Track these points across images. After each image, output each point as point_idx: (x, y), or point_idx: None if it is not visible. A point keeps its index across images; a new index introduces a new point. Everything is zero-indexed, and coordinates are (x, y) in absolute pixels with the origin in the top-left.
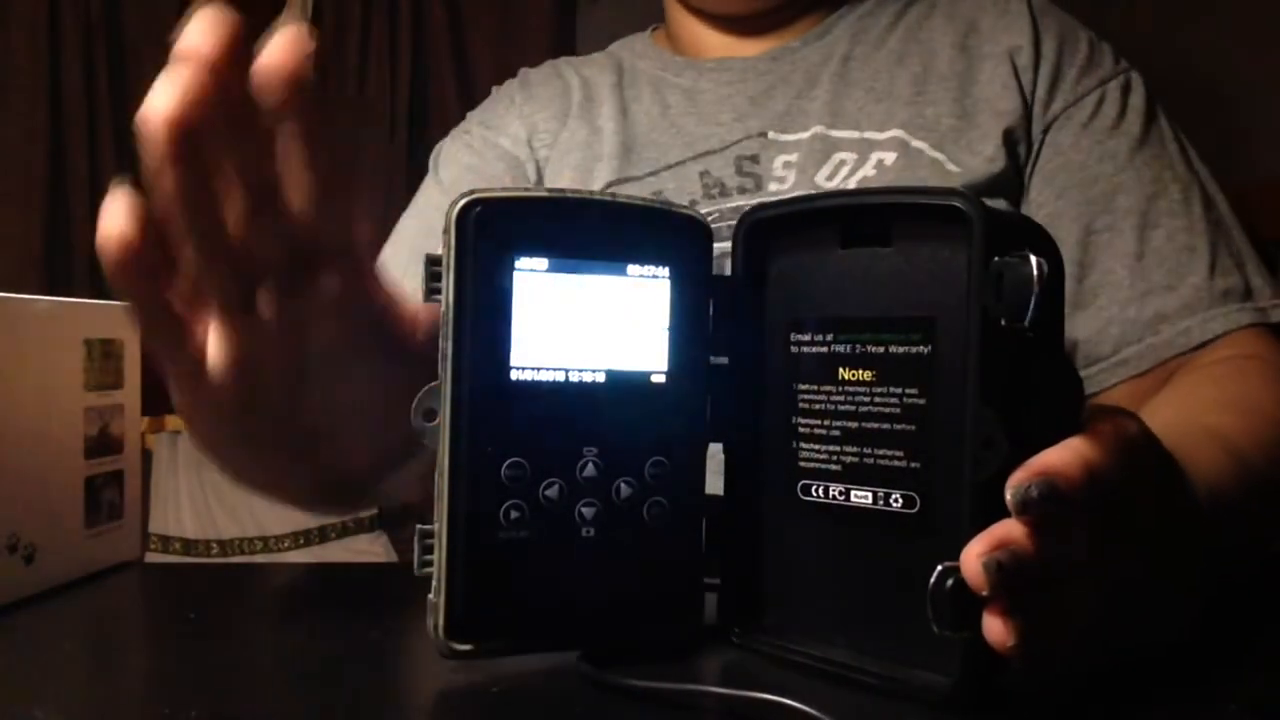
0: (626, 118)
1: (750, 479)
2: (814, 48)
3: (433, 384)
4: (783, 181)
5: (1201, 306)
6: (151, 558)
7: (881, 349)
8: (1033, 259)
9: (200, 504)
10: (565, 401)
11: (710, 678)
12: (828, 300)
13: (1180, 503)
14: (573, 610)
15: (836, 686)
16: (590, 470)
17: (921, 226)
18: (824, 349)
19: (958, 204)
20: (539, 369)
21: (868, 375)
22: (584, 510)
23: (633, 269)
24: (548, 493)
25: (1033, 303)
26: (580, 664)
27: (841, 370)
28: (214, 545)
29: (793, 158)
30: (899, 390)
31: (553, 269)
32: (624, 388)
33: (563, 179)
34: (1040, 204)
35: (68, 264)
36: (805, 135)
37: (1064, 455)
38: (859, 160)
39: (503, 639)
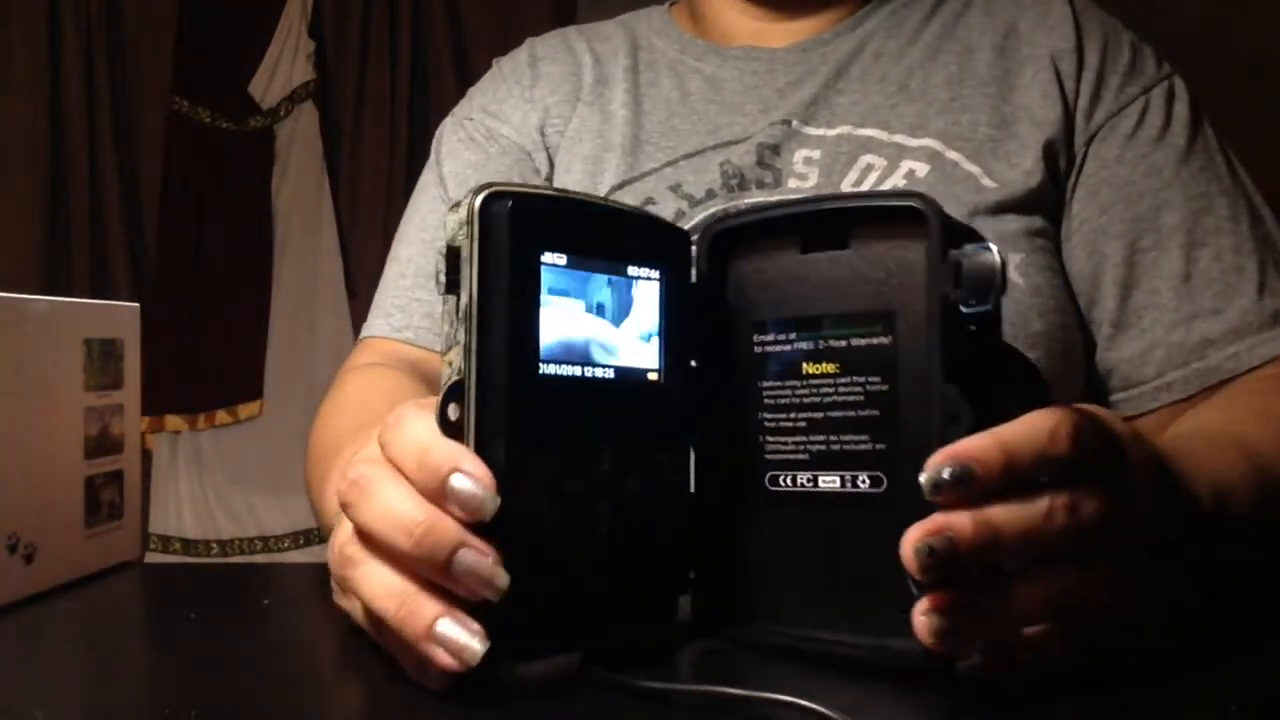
0: (641, 106)
1: (719, 475)
2: (845, 39)
3: (457, 378)
4: (804, 179)
5: (1250, 331)
6: (151, 558)
7: (844, 343)
8: (993, 247)
9: (200, 504)
10: (583, 396)
11: (717, 677)
12: (790, 302)
13: (1168, 500)
14: (588, 607)
15: (820, 670)
16: (605, 465)
17: (879, 228)
18: (787, 347)
19: (914, 204)
20: (560, 363)
21: (831, 368)
22: (601, 506)
23: (631, 270)
24: (571, 489)
25: (995, 288)
26: (583, 664)
27: (805, 365)
28: (214, 545)
29: (815, 154)
30: (862, 379)
31: (569, 266)
32: (629, 384)
33: (574, 170)
34: (1084, 219)
35: (68, 264)
36: (831, 133)
37: (982, 440)
38: (889, 167)
39: (533, 641)
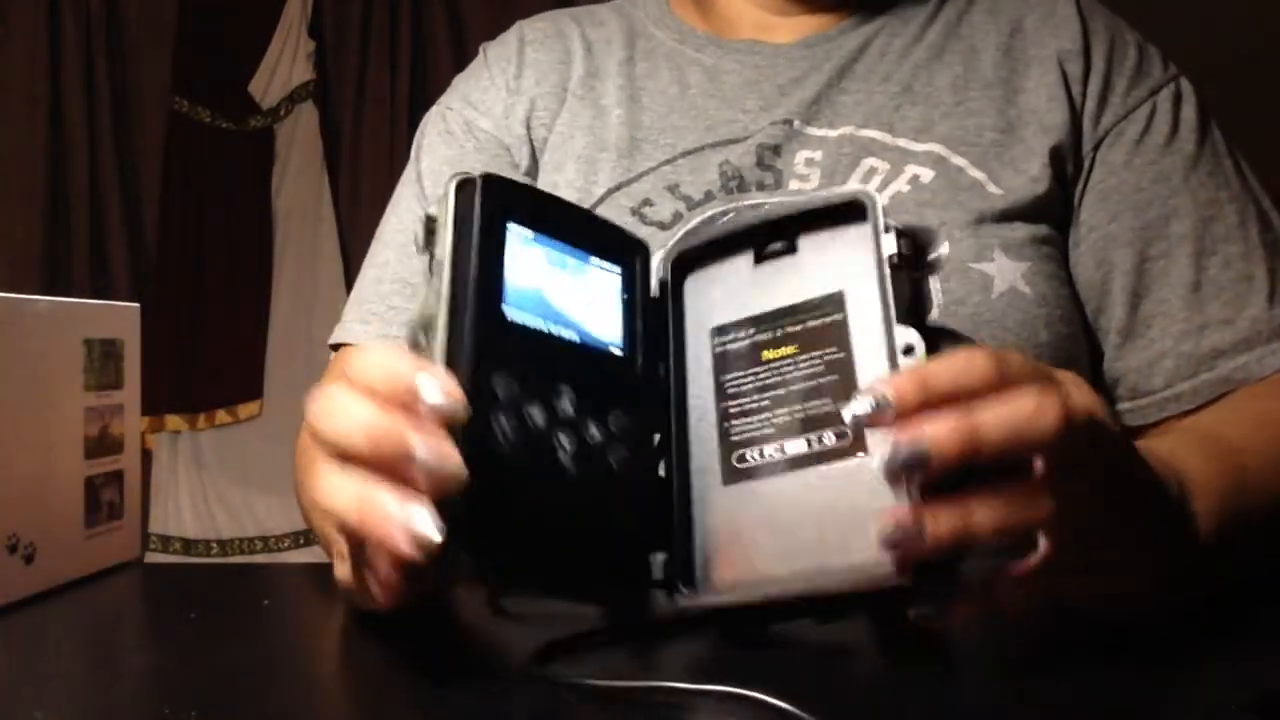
0: (638, 101)
1: (687, 461)
2: (850, 36)
3: (427, 312)
4: (805, 180)
5: (1259, 341)
6: (151, 558)
7: (799, 326)
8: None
9: (200, 504)
10: (545, 347)
11: (673, 671)
12: (747, 306)
13: (1131, 473)
14: (555, 544)
15: (782, 662)
16: (566, 405)
17: (824, 225)
18: (746, 342)
19: (855, 197)
20: (524, 315)
21: (790, 350)
22: (562, 439)
23: (593, 261)
24: (533, 415)
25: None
26: (536, 664)
27: (765, 353)
28: (214, 545)
29: (817, 155)
30: (819, 353)
31: (535, 240)
32: (592, 349)
33: (566, 169)
34: (1092, 226)
35: (68, 264)
36: (833, 134)
37: (896, 374)
38: (892, 171)
39: (489, 550)
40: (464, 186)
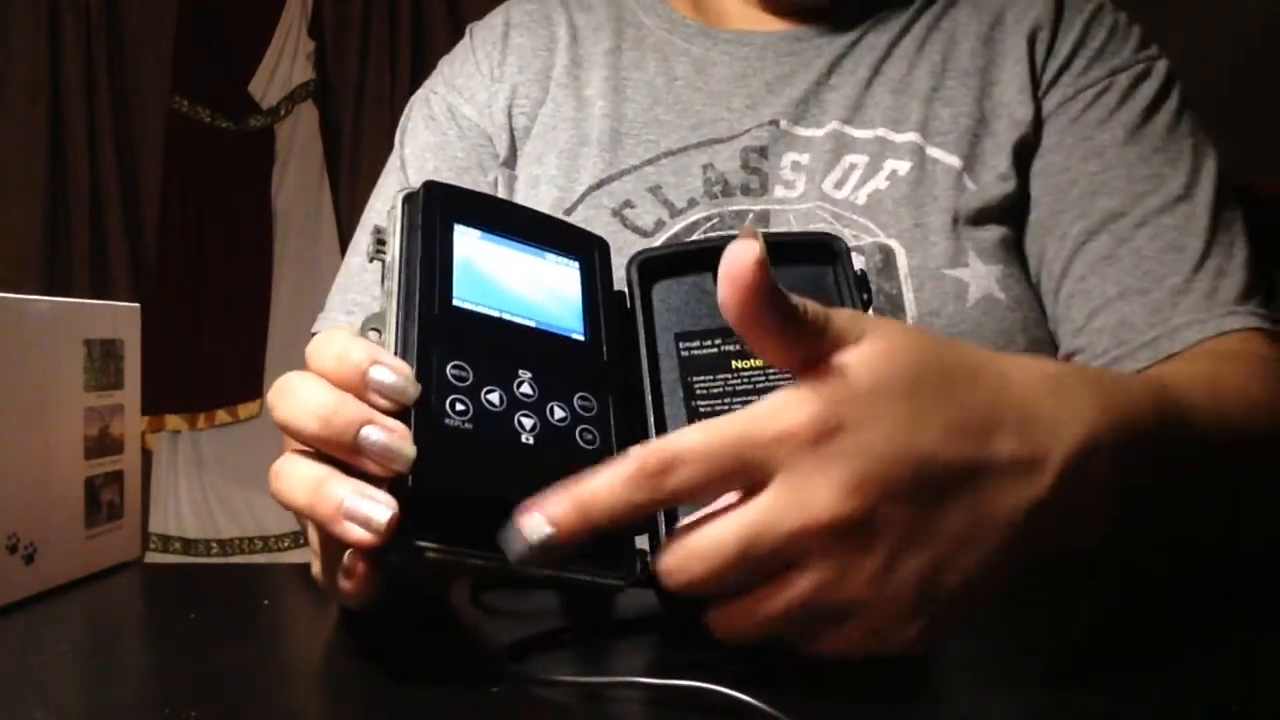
0: (622, 93)
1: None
2: (840, 32)
3: (376, 312)
4: (791, 187)
5: (1175, 313)
6: (151, 558)
7: None
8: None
9: (200, 504)
10: (500, 332)
11: (643, 668)
12: (712, 317)
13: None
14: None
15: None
16: (526, 388)
17: (789, 257)
18: (714, 350)
19: (824, 239)
20: (476, 304)
21: (759, 362)
22: (523, 420)
23: (550, 256)
24: (489, 397)
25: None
26: (510, 661)
27: (734, 362)
28: (214, 545)
29: (804, 158)
30: None
31: (484, 238)
32: (550, 335)
33: (548, 163)
34: (1028, 214)
35: (68, 264)
36: (820, 132)
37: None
38: (870, 167)
39: (450, 534)
40: (410, 198)
